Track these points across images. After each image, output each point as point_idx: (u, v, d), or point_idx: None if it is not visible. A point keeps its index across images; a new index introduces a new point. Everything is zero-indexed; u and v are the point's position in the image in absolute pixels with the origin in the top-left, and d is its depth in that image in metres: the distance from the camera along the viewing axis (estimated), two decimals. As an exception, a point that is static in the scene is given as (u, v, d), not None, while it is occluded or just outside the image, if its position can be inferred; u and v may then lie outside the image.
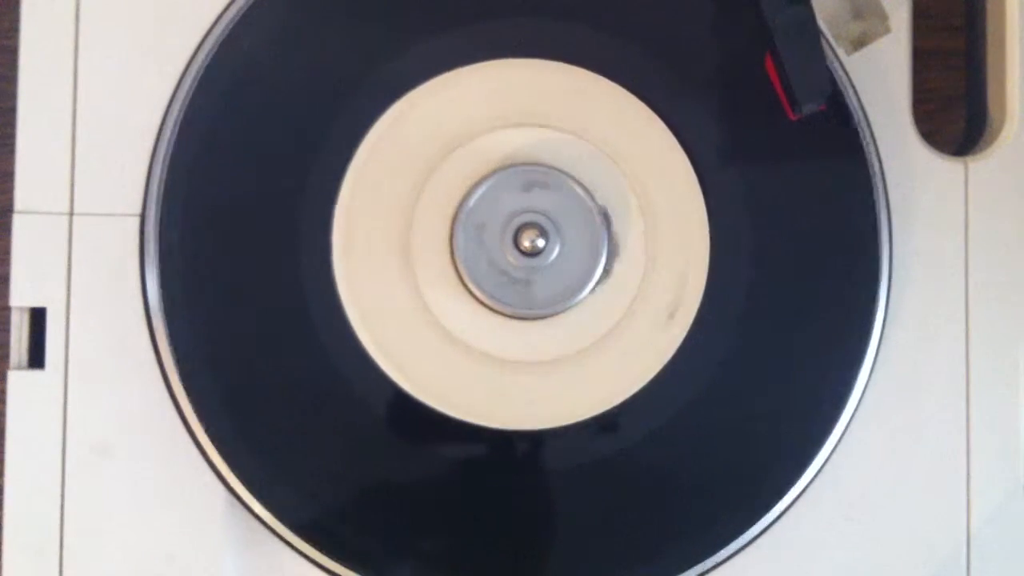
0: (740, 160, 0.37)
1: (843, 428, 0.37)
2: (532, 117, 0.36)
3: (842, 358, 0.37)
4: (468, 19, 0.36)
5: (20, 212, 0.36)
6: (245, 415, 0.35)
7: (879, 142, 0.38)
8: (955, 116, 0.42)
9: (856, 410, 0.37)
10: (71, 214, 0.36)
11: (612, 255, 0.36)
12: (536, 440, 0.36)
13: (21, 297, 0.36)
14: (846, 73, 0.37)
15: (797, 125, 0.36)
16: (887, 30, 0.37)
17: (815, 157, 0.37)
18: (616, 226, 0.36)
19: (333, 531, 0.35)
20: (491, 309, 0.35)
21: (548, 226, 0.35)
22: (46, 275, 0.36)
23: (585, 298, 0.35)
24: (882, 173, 0.37)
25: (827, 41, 0.37)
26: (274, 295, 0.35)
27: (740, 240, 0.36)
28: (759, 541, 0.36)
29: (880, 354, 0.37)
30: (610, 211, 0.36)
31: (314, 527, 0.35)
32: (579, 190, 0.35)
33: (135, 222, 0.36)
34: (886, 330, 0.37)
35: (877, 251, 0.37)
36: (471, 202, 0.35)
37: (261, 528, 0.35)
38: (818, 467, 0.37)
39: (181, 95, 0.36)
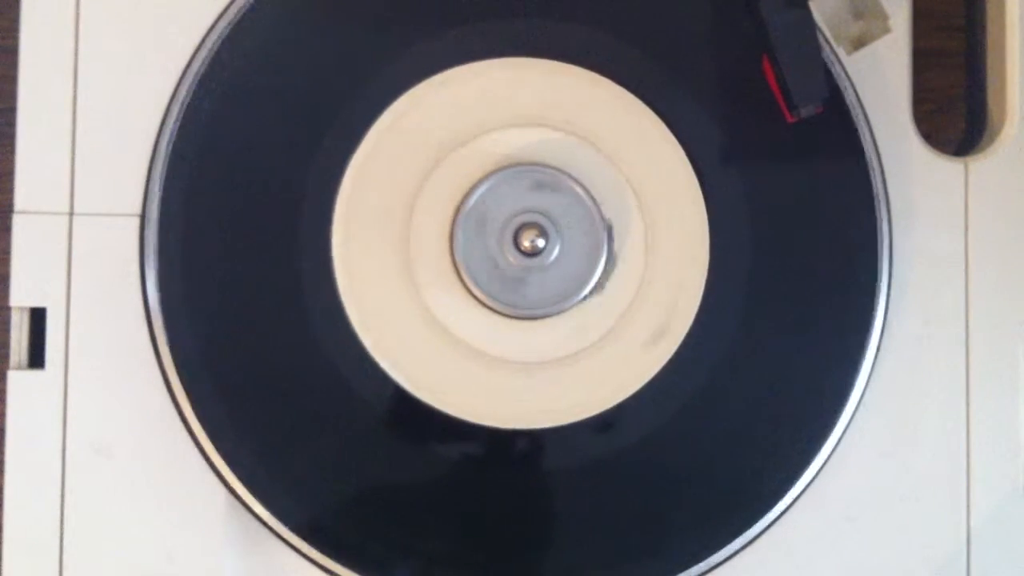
0: (740, 160, 0.37)
1: (843, 428, 0.37)
2: (533, 117, 0.36)
3: (842, 358, 0.37)
4: (468, 18, 0.36)
5: (20, 212, 0.36)
6: (245, 415, 0.35)
7: (879, 142, 0.38)
8: (955, 116, 0.42)
9: (856, 410, 0.37)
10: (71, 214, 0.36)
11: (612, 255, 0.36)
12: (535, 439, 0.36)
13: (21, 297, 0.36)
14: (846, 73, 0.37)
15: (797, 126, 0.36)
16: (887, 30, 0.37)
17: (815, 157, 0.37)
18: (616, 226, 0.36)
19: (333, 531, 0.35)
20: (491, 308, 0.35)
21: (548, 226, 0.35)
22: (46, 275, 0.36)
23: (585, 298, 0.35)
24: (882, 173, 0.37)
25: (827, 41, 0.37)
26: (274, 295, 0.35)
27: (740, 240, 0.36)
28: (759, 541, 0.36)
29: (880, 354, 0.37)
30: (610, 210, 0.36)
31: (314, 527, 0.35)
32: (579, 190, 0.35)
33: (135, 222, 0.36)
34: (886, 330, 0.37)
35: (877, 251, 0.37)
36: (471, 202, 0.35)
37: (261, 528, 0.35)
38: (818, 467, 0.37)
39: (181, 95, 0.36)
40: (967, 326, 0.38)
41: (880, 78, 0.38)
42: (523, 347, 0.36)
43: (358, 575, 0.35)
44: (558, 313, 0.35)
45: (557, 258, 0.35)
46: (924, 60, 0.40)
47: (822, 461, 0.37)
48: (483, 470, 0.36)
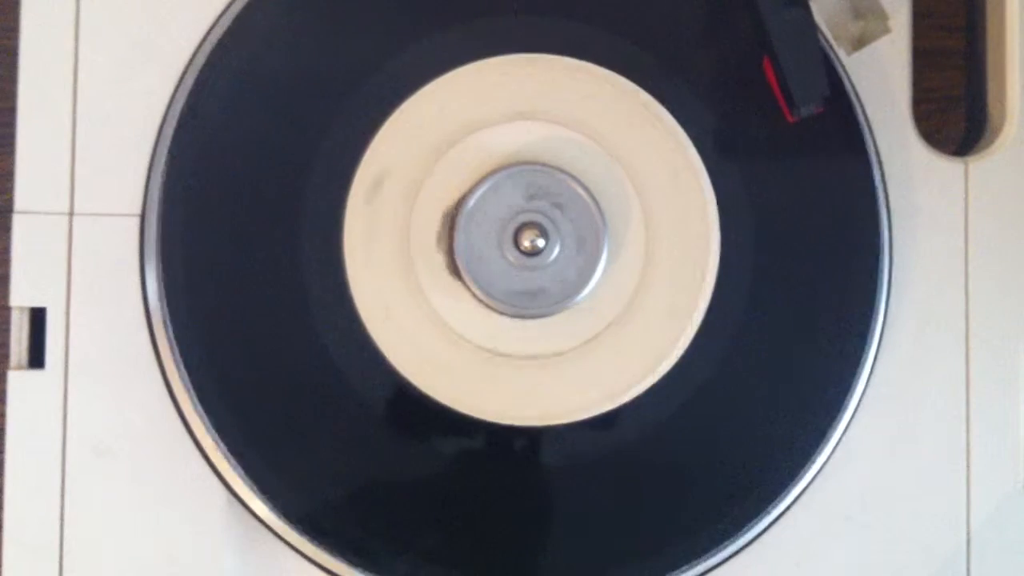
0: (741, 159, 0.37)
1: (843, 428, 0.37)
2: (533, 115, 0.36)
3: (842, 358, 0.37)
4: (470, 16, 0.36)
5: (20, 212, 0.36)
6: (245, 415, 0.35)
7: (879, 142, 0.38)
8: (955, 116, 0.42)
9: (856, 410, 0.37)
10: (71, 214, 0.36)
11: (612, 254, 0.36)
12: (535, 437, 0.36)
13: (21, 297, 0.36)
14: (846, 73, 0.37)
15: (798, 125, 0.36)
16: (887, 30, 0.37)
17: (816, 157, 0.37)
18: (617, 225, 0.36)
19: (334, 531, 0.35)
20: (492, 308, 0.35)
21: (548, 226, 0.35)
22: (46, 275, 0.36)
23: (585, 297, 0.35)
24: (882, 173, 0.37)
25: (827, 41, 0.37)
26: (275, 295, 0.35)
27: (740, 240, 0.36)
28: (759, 541, 0.37)
29: (880, 354, 0.37)
30: (611, 210, 0.36)
31: (314, 527, 0.35)
32: (580, 189, 0.35)
33: (135, 222, 0.36)
34: (886, 330, 0.37)
35: (877, 251, 0.37)
36: (471, 201, 0.35)
37: (261, 528, 0.35)
38: (818, 467, 0.37)
39: (181, 95, 0.36)
40: (967, 326, 0.38)
41: (880, 78, 0.38)
42: (524, 344, 0.36)
43: (359, 575, 0.35)
44: (559, 312, 0.35)
45: (557, 257, 0.35)
46: (924, 60, 0.40)
47: (822, 461, 0.37)
48: (484, 467, 0.36)
